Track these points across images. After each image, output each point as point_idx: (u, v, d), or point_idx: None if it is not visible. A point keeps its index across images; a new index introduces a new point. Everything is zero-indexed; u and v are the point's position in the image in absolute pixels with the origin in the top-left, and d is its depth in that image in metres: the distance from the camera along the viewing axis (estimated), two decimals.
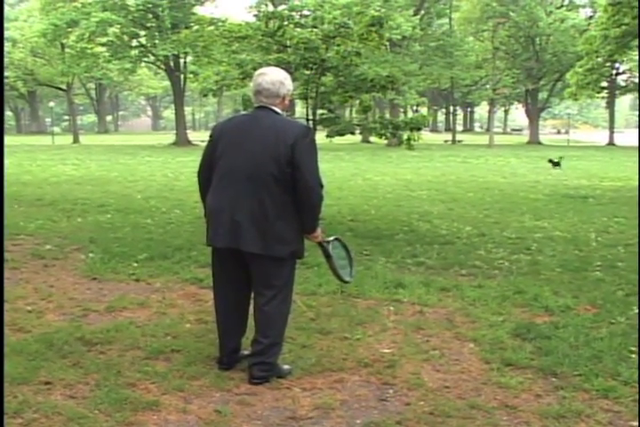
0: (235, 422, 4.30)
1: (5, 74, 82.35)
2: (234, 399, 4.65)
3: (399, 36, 50.47)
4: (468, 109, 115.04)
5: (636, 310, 6.61)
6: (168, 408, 4.48)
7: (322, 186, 4.95)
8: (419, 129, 12.22)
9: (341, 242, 5.63)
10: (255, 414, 4.44)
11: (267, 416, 4.40)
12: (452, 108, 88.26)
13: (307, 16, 34.49)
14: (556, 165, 29.14)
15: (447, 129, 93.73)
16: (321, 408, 4.50)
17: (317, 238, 5.19)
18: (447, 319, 6.48)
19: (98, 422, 4.23)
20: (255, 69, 11.59)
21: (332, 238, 5.45)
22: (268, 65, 11.96)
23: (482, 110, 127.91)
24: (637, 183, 18.78)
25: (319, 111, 12.53)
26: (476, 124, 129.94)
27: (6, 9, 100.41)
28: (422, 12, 60.71)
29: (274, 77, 5.00)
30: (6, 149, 44.68)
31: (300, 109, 50.61)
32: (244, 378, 4.99)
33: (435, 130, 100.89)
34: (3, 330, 5.45)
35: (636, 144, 41.75)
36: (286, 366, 5.09)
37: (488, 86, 68.03)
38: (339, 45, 11.98)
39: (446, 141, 64.14)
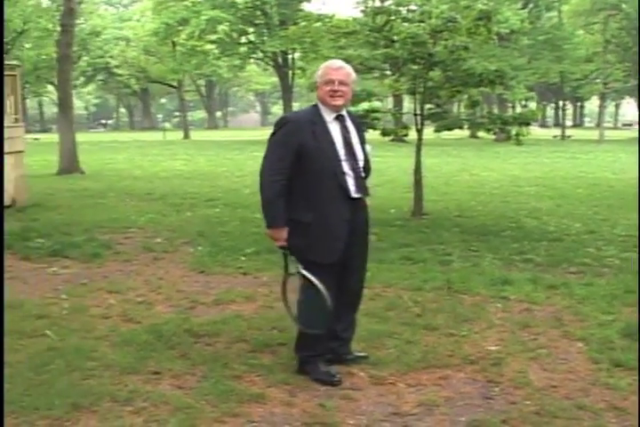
0: (338, 417, 4.29)
1: (119, 72, 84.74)
2: (338, 394, 4.64)
3: (507, 30, 49.64)
4: (578, 104, 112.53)
5: None
6: (273, 401, 4.50)
7: (268, 177, 4.83)
8: (527, 124, 12.02)
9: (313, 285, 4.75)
10: (359, 409, 4.43)
11: (370, 412, 4.39)
12: (561, 103, 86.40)
13: (414, 11, 34.23)
14: None
15: (556, 124, 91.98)
16: (425, 405, 4.46)
17: (275, 241, 4.90)
18: (555, 317, 6.34)
19: (204, 413, 4.29)
20: (362, 65, 11.66)
21: (300, 270, 4.81)
22: (375, 60, 12.00)
23: (592, 105, 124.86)
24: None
25: (427, 106, 12.45)
26: (586, 119, 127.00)
27: (121, 9, 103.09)
28: (531, 5, 59.62)
29: None
30: (120, 145, 45.95)
31: (407, 104, 50.38)
32: (349, 373, 4.98)
33: (543, 125, 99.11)
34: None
35: None
36: (324, 369, 4.94)
37: (598, 80, 66.32)
38: (446, 40, 11.86)
39: (555, 137, 62.90)
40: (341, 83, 4.86)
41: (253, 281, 7.83)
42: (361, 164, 4.96)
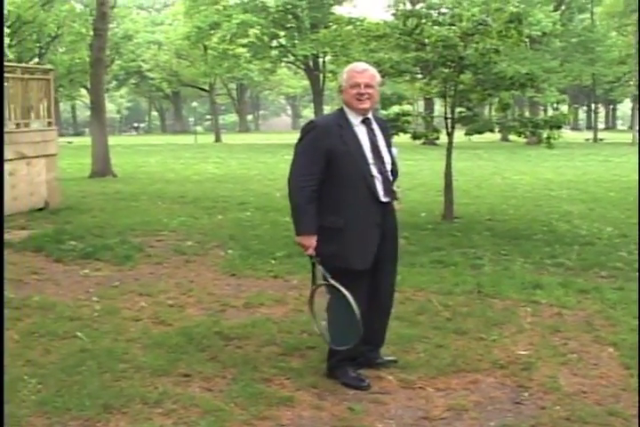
0: (367, 421, 4.29)
1: (151, 75, 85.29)
2: (367, 398, 4.64)
3: (539, 33, 49.31)
4: (611, 107, 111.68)
5: None
6: (302, 404, 4.51)
7: (297, 183, 4.78)
8: (559, 127, 11.96)
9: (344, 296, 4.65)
10: (388, 413, 4.42)
11: (399, 416, 4.38)
12: (593, 106, 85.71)
13: (444, 14, 34.13)
14: None
15: (588, 127, 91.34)
16: (454, 409, 4.45)
17: (304, 249, 4.85)
18: (586, 322, 6.30)
19: (233, 415, 4.30)
20: (393, 68, 11.67)
21: (330, 281, 4.74)
22: (406, 63, 11.99)
23: (625, 108, 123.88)
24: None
25: (458, 109, 12.44)
26: (619, 122, 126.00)
27: (153, 13, 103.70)
28: (563, 7, 59.23)
29: None
30: (152, 148, 46.21)
31: (438, 108, 50.19)
32: (378, 376, 4.98)
33: (575, 128, 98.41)
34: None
35: None
36: (353, 374, 4.93)
37: (631, 83, 65.84)
38: (477, 43, 11.83)
39: (587, 140, 62.44)
40: (367, 85, 4.85)
41: (284, 284, 7.85)
42: (388, 167, 4.94)
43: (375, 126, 4.98)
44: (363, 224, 4.79)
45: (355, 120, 4.88)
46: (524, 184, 20.44)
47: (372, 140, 4.89)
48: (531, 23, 44.10)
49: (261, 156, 37.41)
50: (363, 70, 4.91)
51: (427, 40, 11.83)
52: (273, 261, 8.92)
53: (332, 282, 4.69)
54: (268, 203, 15.22)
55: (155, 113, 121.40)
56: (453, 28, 11.94)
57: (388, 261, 5.03)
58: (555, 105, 79.03)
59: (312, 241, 4.76)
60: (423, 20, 12.07)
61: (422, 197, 16.05)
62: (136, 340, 5.74)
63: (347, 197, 4.77)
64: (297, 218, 4.83)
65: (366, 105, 4.87)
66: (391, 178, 4.98)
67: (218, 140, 63.95)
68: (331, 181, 4.76)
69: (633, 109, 68.66)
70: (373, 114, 5.08)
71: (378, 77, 5.01)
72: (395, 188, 5.01)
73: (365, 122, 4.92)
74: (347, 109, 4.92)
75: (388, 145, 5.05)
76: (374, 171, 4.81)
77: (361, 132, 4.87)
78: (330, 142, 4.74)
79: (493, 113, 15.21)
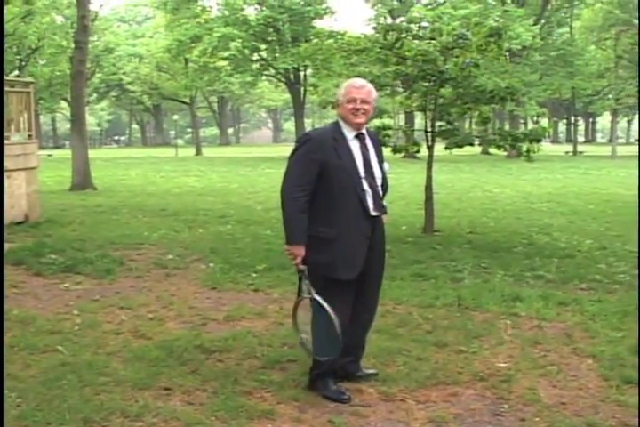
0: None
1: (132, 88, 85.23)
2: (348, 410, 4.65)
3: (519, 46, 49.65)
4: (590, 120, 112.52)
5: None
6: (283, 417, 4.52)
7: (290, 193, 4.82)
8: (538, 141, 12.04)
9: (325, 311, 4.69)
10: (369, 425, 4.44)
11: None
12: (573, 119, 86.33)
13: (425, 28, 34.29)
14: None
15: (568, 140, 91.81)
16: (435, 422, 4.47)
17: (292, 258, 4.88)
18: (565, 334, 6.34)
19: None
20: (373, 82, 11.69)
21: (314, 295, 4.77)
22: (387, 77, 12.05)
23: (604, 121, 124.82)
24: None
25: (438, 123, 12.48)
26: (599, 135, 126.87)
27: (134, 26, 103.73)
28: (542, 21, 59.59)
29: None
30: (132, 161, 46.13)
31: (419, 121, 50.34)
32: (359, 389, 5.00)
33: (555, 141, 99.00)
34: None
35: None
36: (334, 387, 4.95)
37: (610, 96, 66.34)
38: (457, 57, 11.91)
39: (567, 153, 62.79)
40: (363, 101, 4.92)
41: (264, 298, 7.86)
42: (379, 182, 5.01)
43: (368, 141, 5.05)
44: (353, 236, 4.84)
45: (349, 134, 4.95)
46: (505, 197, 20.53)
47: (365, 155, 4.95)
48: (511, 37, 44.38)
49: (242, 169, 37.40)
50: (360, 86, 4.98)
51: (407, 54, 11.89)
52: (254, 275, 8.93)
53: (316, 297, 4.72)
54: (249, 216, 15.25)
55: (135, 126, 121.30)
56: (433, 42, 12.03)
57: (373, 275, 5.07)
58: (535, 118, 79.54)
59: (302, 251, 4.80)
60: (403, 35, 12.18)
61: (403, 210, 16.09)
62: (116, 353, 5.74)
63: (338, 209, 4.82)
64: (289, 227, 4.87)
65: (361, 120, 4.94)
66: (381, 193, 5.03)
67: (199, 153, 63.92)
68: (323, 192, 4.81)
69: (612, 122, 68.99)
70: (366, 129, 5.15)
71: (375, 94, 5.08)
72: (384, 202, 5.06)
73: (359, 137, 4.99)
74: (342, 123, 4.99)
75: (380, 160, 5.12)
76: (365, 185, 4.87)
77: (354, 146, 4.94)
78: (324, 155, 4.80)
79: (474, 127, 15.25)
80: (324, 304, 4.65)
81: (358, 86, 4.98)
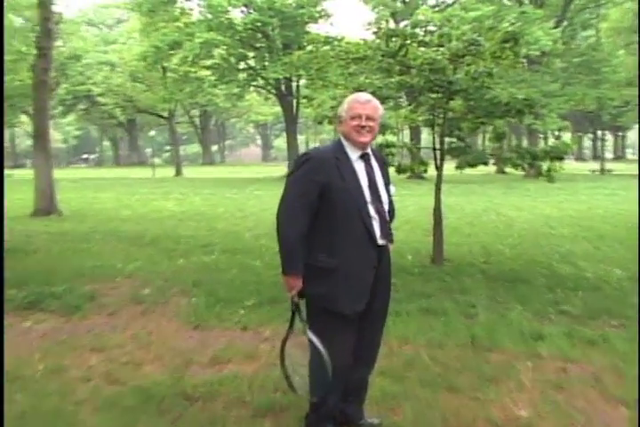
0: None
1: (102, 101, 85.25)
2: None
3: (538, 52, 49.82)
4: (619, 134, 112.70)
5: None
6: None
7: (287, 218, 4.86)
8: (560, 158, 12.04)
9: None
10: None
11: None
12: (599, 133, 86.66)
13: (432, 32, 34.36)
14: None
15: (595, 157, 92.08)
16: None
17: (288, 290, 4.94)
18: (594, 377, 6.34)
19: None
20: (375, 94, 11.72)
21: (308, 334, 4.83)
22: (390, 89, 12.08)
23: (635, 135, 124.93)
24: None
25: (447, 140, 12.50)
26: (629, 151, 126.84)
27: (104, 31, 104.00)
28: (564, 23, 59.80)
29: None
30: (104, 182, 46.13)
31: (426, 137, 50.47)
32: None
33: (580, 158, 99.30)
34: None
35: None
36: None
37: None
38: (469, 65, 11.95)
39: (593, 171, 62.91)
40: (369, 118, 4.97)
41: (254, 337, 7.85)
42: (386, 207, 5.03)
43: (374, 161, 5.09)
44: (357, 266, 4.87)
45: (353, 154, 4.99)
46: (522, 221, 20.54)
47: (370, 177, 4.98)
48: (528, 42, 44.53)
49: (228, 191, 37.42)
50: (366, 101, 5.03)
51: (412, 62, 11.92)
52: (242, 311, 8.92)
53: (310, 335, 4.72)
54: (237, 244, 15.24)
55: (107, 143, 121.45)
56: (442, 49, 12.05)
57: (378, 309, 5.09)
58: (556, 133, 79.54)
59: (298, 281, 4.84)
60: (408, 41, 12.18)
61: (408, 236, 16.10)
62: (86, 402, 5.72)
63: (341, 236, 4.84)
64: (285, 256, 4.87)
65: (366, 138, 4.99)
66: (388, 218, 5.05)
67: (179, 173, 63.97)
68: (324, 217, 4.84)
69: None
70: (372, 148, 5.18)
71: (381, 110, 5.12)
72: (392, 230, 5.08)
73: (364, 157, 5.03)
74: (345, 142, 5.03)
75: (386, 182, 5.15)
76: (371, 210, 4.90)
77: (359, 167, 4.98)
78: (325, 176, 4.83)
79: (487, 143, 15.27)
80: (319, 346, 4.66)
81: (363, 101, 5.02)
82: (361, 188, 4.90)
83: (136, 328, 8.21)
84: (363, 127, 4.93)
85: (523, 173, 37.45)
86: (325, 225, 4.84)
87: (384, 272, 5.05)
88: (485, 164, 12.51)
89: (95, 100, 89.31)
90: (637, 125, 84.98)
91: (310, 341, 4.74)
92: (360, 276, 4.87)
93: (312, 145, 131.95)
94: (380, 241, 4.93)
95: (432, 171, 12.95)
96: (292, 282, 4.84)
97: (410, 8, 59.30)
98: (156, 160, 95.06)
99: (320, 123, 13.23)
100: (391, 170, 12.12)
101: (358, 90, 11.88)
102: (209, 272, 11.83)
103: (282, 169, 60.89)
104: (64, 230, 17.90)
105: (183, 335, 7.92)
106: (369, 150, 5.09)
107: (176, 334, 8.00)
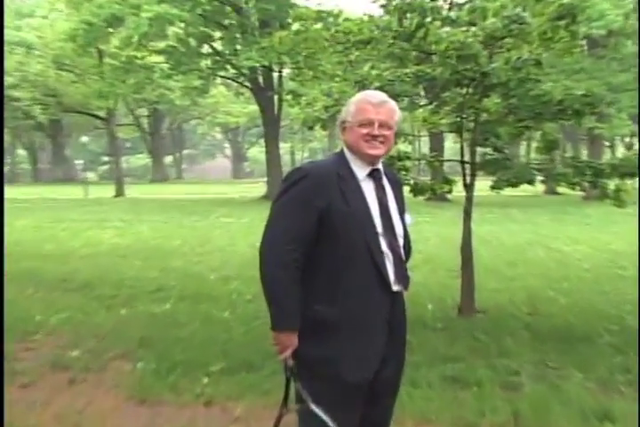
0: None
1: (16, 95, 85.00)
2: None
3: (602, 31, 49.77)
4: None
5: None
6: None
7: (276, 256, 4.78)
8: (633, 175, 12.03)
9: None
10: None
11: None
12: None
13: (461, 6, 34.52)
14: None
15: None
16: None
17: (280, 350, 4.89)
18: None
19: None
20: (384, 89, 11.70)
21: (310, 405, 4.78)
22: (404, 82, 12.07)
23: None
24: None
25: (479, 150, 12.49)
26: None
27: (16, 1, 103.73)
28: None
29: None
30: (18, 205, 46.09)
31: (451, 146, 50.55)
32: None
33: None
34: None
35: None
36: None
37: None
38: (509, 50, 11.95)
39: None
40: (383, 125, 4.95)
41: (222, 415, 7.84)
42: (401, 240, 5.01)
43: (385, 182, 5.07)
44: (366, 318, 4.84)
45: (360, 171, 4.97)
46: (581, 259, 20.57)
47: (382, 202, 4.96)
48: (590, 18, 44.53)
49: (187, 218, 37.43)
50: (380, 103, 5.00)
51: (433, 47, 11.94)
52: (206, 379, 8.91)
53: (314, 408, 4.70)
54: (199, 288, 15.24)
55: (22, 151, 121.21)
56: (473, 29, 12.06)
57: (387, 378, 5.08)
58: (627, 140, 79.68)
59: (294, 339, 4.79)
60: (428, 18, 12.20)
61: (428, 279, 16.09)
62: None
63: (344, 279, 4.81)
64: (274, 306, 4.83)
65: (379, 151, 4.98)
66: (404, 257, 5.04)
67: (120, 193, 63.94)
68: (323, 254, 4.82)
69: None
70: (383, 164, 5.15)
71: (398, 114, 5.11)
72: (408, 271, 5.06)
73: (374, 174, 5.00)
74: (349, 155, 5.01)
75: (401, 209, 5.12)
76: (384, 245, 4.87)
77: (368, 188, 4.95)
78: (325, 200, 4.78)
79: (533, 155, 15.21)
80: (325, 417, 4.64)
81: (376, 103, 4.99)
82: (370, 215, 4.86)
83: (60, 404, 8.18)
84: (375, 137, 4.90)
85: (581, 193, 37.48)
86: (325, 265, 4.82)
87: (398, 327, 5.03)
88: (531, 182, 12.48)
89: (7, 95, 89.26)
90: None
91: (313, 414, 4.71)
92: (369, 331, 4.84)
93: (300, 157, 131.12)
94: (395, 286, 4.91)
95: (459, 191, 12.96)
96: (285, 340, 4.79)
97: None
98: (90, 176, 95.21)
99: (311, 128, 13.21)
100: (405, 190, 12.21)
101: (362, 84, 11.90)
102: (161, 327, 11.81)
103: (259, 188, 60.83)
104: None
105: (125, 414, 7.90)
106: (380, 166, 5.06)
107: (115, 412, 7.97)
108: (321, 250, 4.80)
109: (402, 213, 5.12)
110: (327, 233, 4.78)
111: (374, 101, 4.97)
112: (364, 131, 4.89)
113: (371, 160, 4.97)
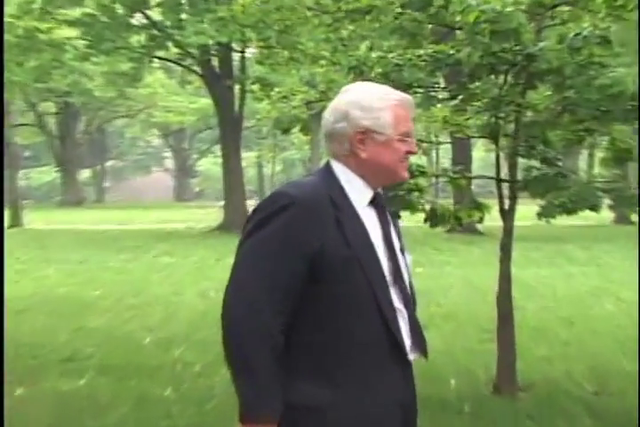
0: None
1: None
2: None
3: None
4: None
5: None
6: None
7: (248, 316, 4.52)
8: None
9: None
10: None
11: None
12: None
13: None
14: None
15: None
16: None
17: None
18: None
19: None
20: (388, 79, 11.68)
21: None
22: (415, 68, 12.04)
23: None
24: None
25: (522, 162, 12.45)
26: None
27: None
28: None
29: (337, 101, 4.97)
30: None
31: (481, 155, 50.71)
32: None
33: None
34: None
35: None
36: None
37: None
38: (564, 24, 11.95)
39: None
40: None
41: None
42: (408, 289, 4.94)
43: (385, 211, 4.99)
44: (373, 404, 4.72)
45: (360, 196, 4.84)
46: None
47: (388, 238, 4.88)
48: None
49: (112, 256, 37.40)
50: (411, 104, 4.99)
51: (458, 19, 11.88)
52: None
53: None
54: (128, 357, 15.23)
55: None
56: None
57: None
58: None
59: None
60: None
61: (450, 342, 16.11)
62: None
63: (342, 347, 4.68)
64: (246, 385, 4.59)
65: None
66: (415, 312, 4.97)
67: (16, 222, 63.96)
68: (312, 314, 4.67)
69: None
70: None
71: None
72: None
73: (375, 202, 4.91)
74: (347, 174, 4.87)
75: (401, 247, 5.03)
76: (396, 299, 4.78)
77: (369, 220, 4.83)
78: (318, 238, 4.60)
79: (597, 169, 15.16)
80: None
81: (410, 106, 4.97)
82: (378, 259, 4.73)
83: None
84: (412, 154, 4.90)
85: None
86: (314, 328, 4.67)
87: (411, 409, 4.98)
88: (595, 208, 12.40)
89: None
90: None
91: None
92: (376, 420, 4.74)
93: (270, 170, 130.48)
94: (412, 354, 4.84)
95: (493, 219, 12.94)
96: None
97: None
98: None
99: (286, 131, 13.19)
100: (417, 218, 12.26)
101: (358, 70, 11.94)
102: (74, 412, 11.80)
103: (213, 215, 60.84)
104: None
105: None
106: (379, 188, 4.98)
107: None
108: (311, 308, 4.64)
109: (402, 250, 5.02)
110: (319, 286, 4.62)
111: (410, 102, 4.95)
112: (405, 148, 4.84)
113: (379, 184, 4.92)
